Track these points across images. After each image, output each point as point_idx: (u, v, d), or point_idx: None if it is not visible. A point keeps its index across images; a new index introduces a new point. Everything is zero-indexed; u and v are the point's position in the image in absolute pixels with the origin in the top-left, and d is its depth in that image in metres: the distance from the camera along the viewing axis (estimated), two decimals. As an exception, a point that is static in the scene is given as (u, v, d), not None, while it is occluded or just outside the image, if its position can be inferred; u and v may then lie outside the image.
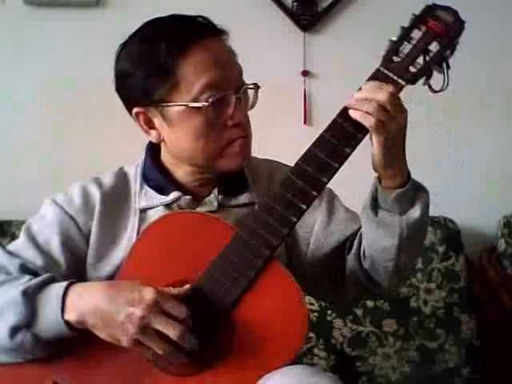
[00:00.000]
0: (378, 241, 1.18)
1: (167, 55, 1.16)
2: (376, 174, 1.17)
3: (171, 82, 1.17)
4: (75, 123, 2.18)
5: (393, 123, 1.08)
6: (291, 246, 1.28)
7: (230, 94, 1.19)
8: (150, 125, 1.23)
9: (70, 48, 2.17)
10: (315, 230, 1.29)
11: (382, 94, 1.07)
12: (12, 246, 1.26)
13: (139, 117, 1.23)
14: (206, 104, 1.17)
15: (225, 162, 1.22)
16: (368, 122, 1.08)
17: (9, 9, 2.16)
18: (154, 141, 1.25)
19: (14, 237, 1.88)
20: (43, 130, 2.19)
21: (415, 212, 1.16)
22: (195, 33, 1.18)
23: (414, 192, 1.16)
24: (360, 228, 1.25)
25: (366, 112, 1.08)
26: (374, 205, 1.18)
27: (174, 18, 1.22)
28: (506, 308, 2.07)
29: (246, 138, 1.23)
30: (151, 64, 1.17)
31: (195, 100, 1.17)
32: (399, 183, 1.14)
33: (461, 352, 2.04)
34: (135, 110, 1.22)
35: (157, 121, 1.22)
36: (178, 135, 1.21)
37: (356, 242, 1.25)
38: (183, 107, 1.18)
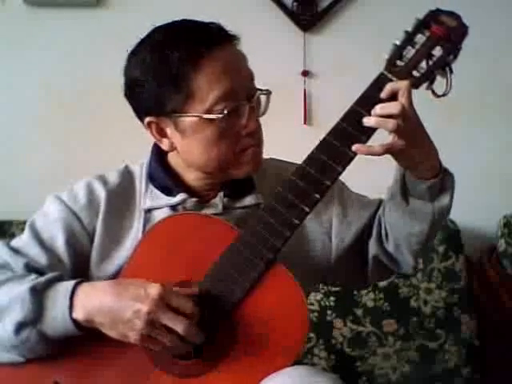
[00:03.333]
0: (407, 227, 1.20)
1: (180, 66, 1.15)
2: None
3: (184, 93, 1.16)
4: (75, 123, 2.18)
5: (408, 123, 1.08)
6: (307, 248, 1.28)
7: (243, 104, 1.18)
8: (161, 134, 1.22)
9: (70, 48, 2.17)
10: (334, 224, 1.29)
11: (394, 106, 1.07)
12: (16, 243, 1.26)
13: (151, 126, 1.22)
14: (220, 116, 1.16)
15: (237, 170, 1.22)
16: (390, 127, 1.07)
17: (9, 9, 2.16)
18: (166, 149, 1.24)
19: (13, 236, 1.87)
20: (43, 130, 2.19)
21: (445, 198, 1.18)
22: (208, 42, 1.17)
23: (443, 176, 1.17)
24: (375, 210, 1.27)
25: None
26: (404, 192, 1.19)
27: (185, 25, 1.21)
28: (506, 308, 2.07)
29: (258, 146, 1.23)
30: (164, 75, 1.16)
31: (209, 111, 1.16)
32: (434, 173, 1.15)
33: (461, 352, 2.04)
34: (147, 119, 1.21)
35: (169, 130, 1.21)
36: (191, 145, 1.21)
37: (375, 227, 1.26)
38: (197, 118, 1.17)
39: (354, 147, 1.09)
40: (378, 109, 1.08)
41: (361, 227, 1.28)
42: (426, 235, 1.20)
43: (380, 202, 1.29)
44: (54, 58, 2.18)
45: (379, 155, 1.09)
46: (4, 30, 2.17)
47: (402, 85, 1.09)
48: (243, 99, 1.18)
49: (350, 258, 1.29)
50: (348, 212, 1.29)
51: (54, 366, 1.18)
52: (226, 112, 1.16)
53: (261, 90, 1.23)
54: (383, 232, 1.25)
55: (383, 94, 1.09)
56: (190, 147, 1.21)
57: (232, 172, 1.23)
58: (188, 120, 1.18)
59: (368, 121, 1.09)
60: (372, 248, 1.27)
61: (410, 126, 1.08)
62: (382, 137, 1.10)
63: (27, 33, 2.16)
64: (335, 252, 1.28)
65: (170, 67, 1.16)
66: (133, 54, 1.22)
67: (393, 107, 1.07)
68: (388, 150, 1.09)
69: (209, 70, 1.16)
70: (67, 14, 2.17)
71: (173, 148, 1.23)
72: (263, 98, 1.24)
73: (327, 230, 1.28)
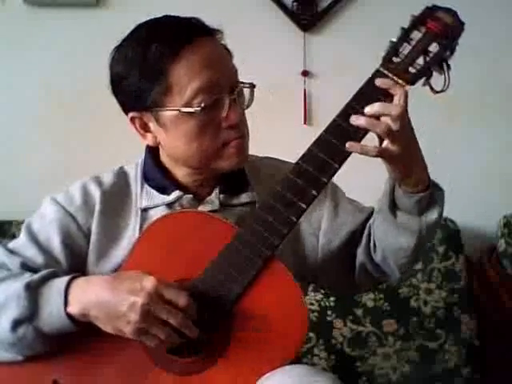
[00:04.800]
0: (394, 240, 1.19)
1: (159, 59, 1.16)
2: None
3: (163, 86, 1.16)
4: (75, 123, 2.18)
5: (403, 130, 1.07)
6: (299, 248, 1.28)
7: (223, 96, 1.18)
8: (145, 128, 1.23)
9: (70, 48, 2.17)
10: (323, 225, 1.29)
11: (394, 107, 1.06)
12: (13, 244, 1.26)
13: (135, 121, 1.23)
14: (198, 109, 1.16)
15: (221, 163, 1.22)
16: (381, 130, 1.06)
17: (9, 9, 2.16)
18: (150, 144, 1.25)
19: (13, 237, 1.87)
20: (43, 130, 2.19)
21: (433, 213, 1.17)
22: (186, 35, 1.17)
23: (432, 191, 1.16)
24: (366, 218, 1.26)
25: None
26: (392, 206, 1.18)
27: (165, 20, 1.22)
28: (506, 308, 2.07)
29: (242, 138, 1.22)
30: (143, 68, 1.17)
31: (188, 104, 1.17)
32: (422, 187, 1.14)
33: (461, 352, 2.04)
34: (130, 114, 1.22)
35: (152, 125, 1.22)
36: (173, 139, 1.21)
37: (365, 236, 1.25)
38: (176, 112, 1.18)
39: (348, 144, 1.08)
40: (377, 106, 1.07)
41: (350, 231, 1.28)
42: (412, 250, 1.19)
43: (373, 210, 1.27)
44: (54, 58, 2.18)
45: (372, 156, 1.08)
46: (4, 30, 2.17)
47: (400, 90, 1.08)
48: (223, 92, 1.18)
49: (338, 261, 1.28)
50: (339, 214, 1.29)
51: (54, 365, 1.18)
52: (203, 105, 1.16)
53: (243, 83, 1.23)
54: (372, 243, 1.24)
55: (378, 82, 1.08)
56: (173, 141, 1.21)
57: (217, 166, 1.22)
58: (168, 114, 1.18)
59: (356, 120, 1.08)
60: (360, 256, 1.26)
61: (404, 134, 1.07)
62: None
63: (27, 33, 2.17)
64: (321, 252, 1.28)
65: (150, 61, 1.16)
66: (116, 50, 1.23)
67: (393, 108, 1.06)
68: (381, 152, 1.08)
69: (187, 62, 1.16)
70: (67, 14, 2.17)
71: (157, 143, 1.24)
72: (247, 91, 1.24)
73: (315, 231, 1.28)
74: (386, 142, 1.08)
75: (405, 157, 1.09)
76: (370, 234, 1.25)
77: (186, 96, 1.16)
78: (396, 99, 1.07)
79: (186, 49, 1.16)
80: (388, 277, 1.27)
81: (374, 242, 1.23)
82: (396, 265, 1.22)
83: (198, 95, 1.16)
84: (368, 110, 1.07)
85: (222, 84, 1.18)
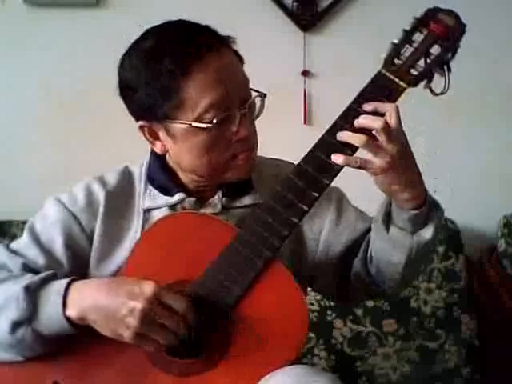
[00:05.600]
0: (386, 254, 1.18)
1: (169, 77, 1.15)
2: None
3: (174, 102, 1.16)
4: (75, 123, 2.18)
5: (391, 145, 1.06)
6: (299, 250, 1.28)
7: (234, 112, 1.17)
8: (154, 136, 1.23)
9: (70, 48, 2.17)
10: (324, 230, 1.28)
11: (376, 120, 1.05)
12: (15, 245, 1.26)
13: (144, 130, 1.22)
14: (209, 125, 1.16)
15: (228, 174, 1.22)
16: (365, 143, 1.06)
17: (9, 9, 2.16)
18: (158, 152, 1.24)
19: (14, 237, 1.88)
20: (43, 130, 2.19)
21: (427, 232, 1.15)
22: (197, 50, 1.16)
23: (428, 210, 1.14)
24: (368, 228, 1.25)
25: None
26: (387, 219, 1.16)
27: (176, 31, 1.20)
28: (505, 308, 2.07)
29: (250, 151, 1.22)
30: (153, 85, 1.16)
31: (199, 119, 1.16)
32: (416, 205, 1.13)
33: (461, 352, 2.04)
34: (140, 123, 1.22)
35: (161, 134, 1.22)
36: (182, 150, 1.21)
37: (363, 247, 1.24)
38: (187, 125, 1.17)
39: (333, 156, 1.08)
40: (361, 119, 1.07)
41: (350, 240, 1.27)
42: (404, 267, 1.17)
43: None
44: (54, 58, 2.18)
45: (354, 168, 1.07)
46: (4, 30, 2.17)
47: (389, 107, 1.07)
48: (235, 106, 1.17)
49: (335, 267, 1.28)
50: (341, 222, 1.28)
51: (54, 366, 1.18)
52: (215, 121, 1.16)
53: (256, 91, 1.22)
54: (369, 253, 1.23)
55: (366, 107, 1.08)
56: (181, 152, 1.21)
57: (223, 176, 1.23)
58: (178, 127, 1.18)
59: (342, 135, 1.08)
60: (356, 265, 1.25)
61: (393, 148, 1.05)
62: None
63: (27, 33, 2.17)
64: (320, 257, 1.27)
65: (160, 78, 1.15)
66: (126, 56, 1.21)
67: (375, 121, 1.05)
68: (363, 166, 1.07)
69: (198, 79, 1.15)
70: (67, 14, 2.17)
71: (165, 151, 1.24)
72: (257, 100, 1.23)
73: (316, 236, 1.28)
74: (369, 155, 1.07)
75: (390, 172, 1.08)
76: (368, 245, 1.23)
77: (197, 112, 1.16)
78: (386, 116, 1.06)
79: (196, 66, 1.15)
80: (382, 289, 1.25)
81: (371, 252, 1.22)
82: (390, 279, 1.21)
83: (210, 111, 1.16)
84: (355, 123, 1.07)
85: (232, 98, 1.17)
